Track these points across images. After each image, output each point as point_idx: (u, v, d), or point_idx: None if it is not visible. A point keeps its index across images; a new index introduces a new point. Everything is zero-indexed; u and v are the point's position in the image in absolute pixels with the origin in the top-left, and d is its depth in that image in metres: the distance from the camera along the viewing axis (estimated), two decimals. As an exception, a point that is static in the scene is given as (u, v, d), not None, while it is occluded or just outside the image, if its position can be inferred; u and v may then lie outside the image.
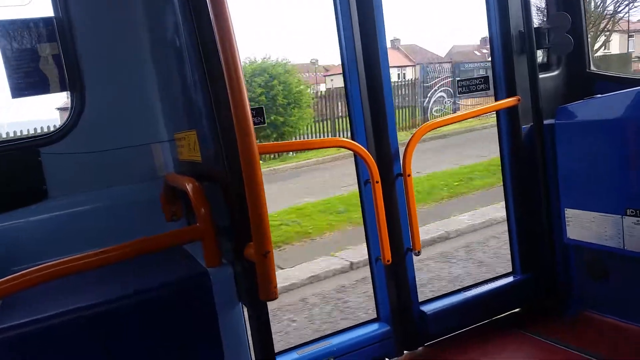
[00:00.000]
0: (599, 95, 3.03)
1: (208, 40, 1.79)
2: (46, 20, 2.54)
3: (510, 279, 3.54)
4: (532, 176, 3.31)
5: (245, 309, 2.07)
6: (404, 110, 19.68)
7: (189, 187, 2.00)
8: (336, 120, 18.75)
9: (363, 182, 3.08)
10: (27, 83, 2.55)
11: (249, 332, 2.04)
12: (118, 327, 1.85)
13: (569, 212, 3.14)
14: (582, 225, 3.08)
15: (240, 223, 1.79)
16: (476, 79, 3.34)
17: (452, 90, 20.36)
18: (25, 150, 2.49)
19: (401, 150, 3.05)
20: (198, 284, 1.94)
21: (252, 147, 1.60)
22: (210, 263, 1.97)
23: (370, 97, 3.02)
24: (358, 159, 3.03)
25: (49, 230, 2.49)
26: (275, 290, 1.68)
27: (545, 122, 3.21)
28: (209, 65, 1.83)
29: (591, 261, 3.22)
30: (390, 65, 3.03)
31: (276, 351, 2.29)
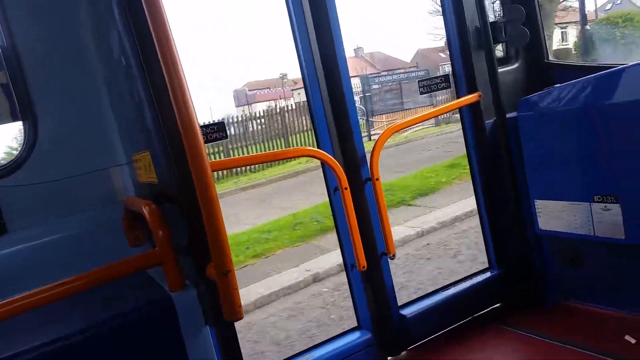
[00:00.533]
0: (558, 85, 3.05)
1: (151, 58, 1.75)
2: (-9, 50, 2.47)
3: (487, 274, 3.54)
4: (499, 170, 3.32)
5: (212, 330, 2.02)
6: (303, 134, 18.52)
7: (145, 210, 1.95)
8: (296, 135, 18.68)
9: (332, 189, 3.05)
10: (-24, 115, 2.47)
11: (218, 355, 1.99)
12: (84, 358, 1.78)
13: (539, 203, 3.15)
14: (553, 215, 3.09)
15: (199, 243, 1.75)
16: (437, 77, 3.35)
17: (363, 108, 19.55)
18: None
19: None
20: (162, 309, 1.88)
21: (204, 165, 1.56)
22: (173, 287, 1.92)
23: (332, 105, 3.00)
24: (325, 167, 3.01)
25: (11, 265, 2.40)
26: (240, 309, 1.63)
27: (508, 115, 3.22)
28: (154, 82, 1.79)
29: (564, 250, 3.23)
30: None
31: None
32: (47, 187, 2.50)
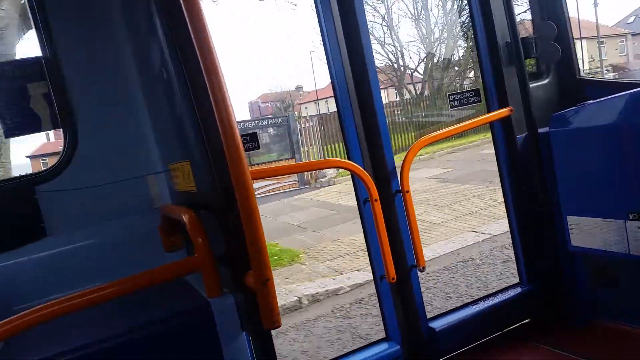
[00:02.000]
0: (591, 101, 3.03)
1: (194, 71, 1.79)
2: (35, 60, 2.55)
3: (518, 289, 3.50)
4: (531, 185, 3.29)
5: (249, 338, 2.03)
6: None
7: (185, 217, 1.99)
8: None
9: (362, 201, 3.07)
10: (20, 123, 2.55)
11: None
12: None
13: (572, 220, 3.12)
14: (586, 232, 3.05)
15: (238, 251, 1.77)
16: (467, 92, 3.35)
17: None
18: (20, 189, 2.48)
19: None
20: (200, 316, 1.90)
21: (245, 175, 1.58)
22: (211, 293, 1.94)
23: (363, 117, 3.03)
24: (356, 179, 3.02)
25: (48, 268, 2.47)
26: (278, 317, 1.65)
27: (540, 130, 3.20)
28: (196, 96, 1.83)
29: (597, 268, 3.18)
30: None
31: None
32: (85, 193, 2.57)
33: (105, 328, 1.86)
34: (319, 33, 3.04)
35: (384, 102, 3.16)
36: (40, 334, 1.86)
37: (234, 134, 1.57)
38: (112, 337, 1.81)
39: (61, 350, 1.74)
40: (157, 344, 1.85)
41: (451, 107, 3.34)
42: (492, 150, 3.46)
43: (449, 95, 3.33)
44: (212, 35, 1.62)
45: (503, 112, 3.27)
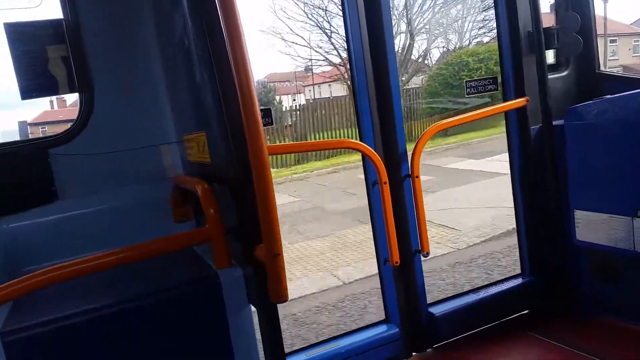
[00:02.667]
0: (609, 96, 3.01)
1: (217, 41, 1.79)
2: (55, 23, 2.55)
3: (519, 280, 3.52)
4: (541, 177, 3.29)
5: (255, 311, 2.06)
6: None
7: (198, 188, 2.00)
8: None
9: (371, 183, 3.08)
10: (37, 84, 2.56)
11: (259, 334, 2.04)
12: (128, 328, 1.85)
13: (579, 214, 3.12)
14: (592, 226, 3.06)
15: (250, 225, 1.79)
16: (485, 79, 3.33)
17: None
18: (34, 152, 2.50)
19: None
20: (208, 286, 1.93)
21: (262, 149, 1.59)
22: (220, 265, 1.97)
23: (378, 100, 3.02)
24: (366, 160, 3.03)
25: (58, 231, 2.50)
26: (286, 292, 1.67)
27: (555, 122, 3.19)
28: (219, 67, 1.83)
29: (601, 263, 3.19)
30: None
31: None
32: (98, 158, 2.58)
33: (114, 293, 1.89)
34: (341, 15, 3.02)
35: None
36: (47, 297, 1.89)
37: (254, 108, 1.57)
38: (120, 301, 1.84)
39: (68, 313, 1.77)
40: (164, 311, 1.88)
41: (467, 94, 3.32)
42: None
43: (466, 82, 3.31)
44: (238, 6, 1.61)
45: (519, 102, 3.26)
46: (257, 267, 1.83)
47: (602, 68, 3.47)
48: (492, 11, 3.40)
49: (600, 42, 3.51)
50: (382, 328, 3.19)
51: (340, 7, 3.04)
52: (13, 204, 2.44)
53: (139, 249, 1.85)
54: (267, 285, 1.66)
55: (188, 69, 2.26)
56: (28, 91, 2.55)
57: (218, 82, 1.84)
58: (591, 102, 3.07)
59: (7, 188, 2.45)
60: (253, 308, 2.02)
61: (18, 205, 2.45)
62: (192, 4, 1.98)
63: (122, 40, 2.58)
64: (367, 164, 3.07)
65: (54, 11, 2.57)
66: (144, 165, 2.64)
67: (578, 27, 3.24)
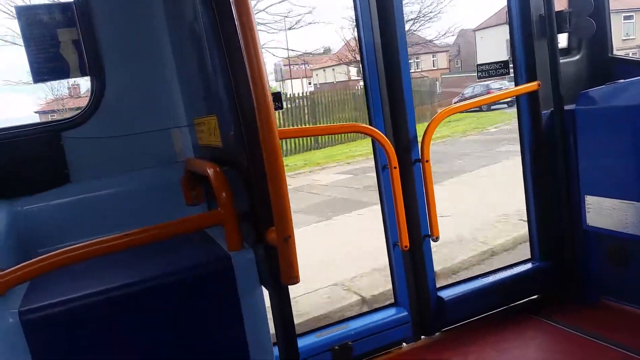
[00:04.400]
0: (621, 81, 2.98)
1: (228, 25, 1.79)
2: (65, 6, 2.55)
3: (529, 265, 3.53)
4: (552, 162, 3.27)
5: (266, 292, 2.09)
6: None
7: (210, 171, 2.01)
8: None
9: (381, 167, 3.08)
10: (48, 68, 2.58)
11: (270, 315, 2.06)
12: (143, 309, 1.87)
13: (589, 199, 3.11)
14: (603, 212, 3.05)
15: (261, 208, 1.80)
16: (496, 63, 3.30)
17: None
18: (47, 135, 2.52)
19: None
20: (221, 268, 1.95)
21: (273, 132, 1.59)
22: (232, 247, 1.99)
23: (388, 84, 3.01)
24: (376, 145, 3.03)
25: (71, 213, 2.53)
26: (297, 273, 1.68)
27: (566, 107, 3.16)
28: (229, 50, 1.82)
29: (611, 249, 3.19)
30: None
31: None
32: (110, 142, 2.60)
33: (126, 275, 1.92)
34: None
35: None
36: (61, 278, 1.92)
37: (265, 92, 1.58)
38: (132, 283, 1.87)
39: (83, 293, 1.80)
40: (177, 292, 1.91)
41: (478, 78, 3.30)
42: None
43: (477, 65, 3.28)
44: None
45: (531, 86, 3.23)
46: (268, 250, 1.85)
47: (614, 51, 3.42)
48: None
49: (613, 19, 3.43)
50: (391, 311, 3.21)
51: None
52: (26, 187, 2.47)
53: (152, 231, 1.87)
54: (279, 268, 1.68)
55: (198, 52, 2.27)
56: (39, 74, 2.57)
57: (229, 65, 1.84)
58: (603, 86, 3.04)
59: (20, 171, 2.48)
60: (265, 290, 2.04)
61: (31, 187, 2.48)
62: None
63: (132, 24, 2.59)
64: (377, 148, 3.07)
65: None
66: (155, 149, 2.66)
67: (591, 10, 3.19)
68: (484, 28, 43.32)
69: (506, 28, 3.34)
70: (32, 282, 1.93)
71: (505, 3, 3.29)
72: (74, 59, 2.61)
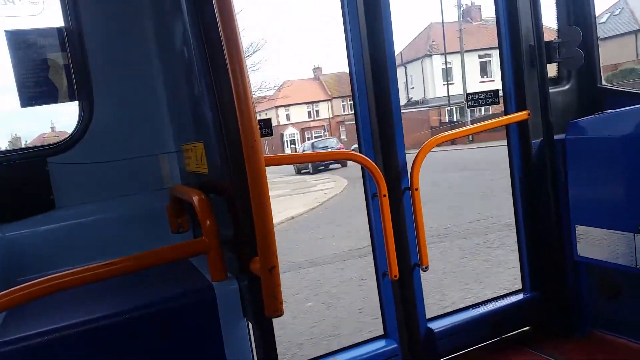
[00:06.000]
0: (610, 111, 3.00)
1: (216, 53, 1.79)
2: (56, 31, 2.56)
3: (520, 296, 3.48)
4: (542, 191, 3.27)
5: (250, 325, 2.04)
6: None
7: (195, 199, 1.99)
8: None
9: (370, 195, 3.06)
10: (37, 92, 2.56)
11: (254, 349, 2.01)
12: (122, 340, 1.83)
13: (580, 229, 3.09)
14: (593, 242, 3.03)
15: (246, 237, 1.77)
16: (486, 92, 3.32)
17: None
18: (32, 160, 2.50)
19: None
20: (203, 298, 1.91)
21: (259, 160, 1.58)
22: (216, 277, 1.95)
23: (378, 112, 3.01)
24: (366, 172, 3.01)
25: (55, 240, 2.49)
26: (281, 306, 1.65)
27: (556, 137, 3.17)
28: (217, 77, 1.82)
29: (602, 280, 3.16)
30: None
31: None
32: (96, 167, 2.58)
33: (108, 304, 1.88)
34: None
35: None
36: (42, 307, 1.87)
37: (251, 119, 1.56)
38: (115, 313, 1.83)
39: (63, 325, 1.75)
40: (158, 323, 1.86)
41: (468, 107, 3.31)
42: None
43: (467, 94, 3.30)
44: (237, 18, 1.61)
45: (520, 115, 3.24)
46: (252, 280, 1.81)
47: (602, 82, 3.45)
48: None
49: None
50: (380, 343, 3.15)
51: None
52: (11, 212, 2.43)
53: (135, 260, 1.83)
54: (263, 299, 1.64)
55: (187, 79, 2.26)
56: (27, 99, 2.55)
57: (216, 92, 1.84)
58: (593, 116, 3.05)
59: (5, 196, 2.44)
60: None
61: (16, 213, 2.44)
62: (193, 15, 1.98)
63: (122, 50, 2.59)
64: (366, 176, 3.05)
65: (55, 19, 2.58)
66: (142, 175, 2.63)
67: (580, 41, 3.23)
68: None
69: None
70: (10, 313, 1.88)
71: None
72: (63, 84, 2.61)
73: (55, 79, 2.58)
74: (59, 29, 2.56)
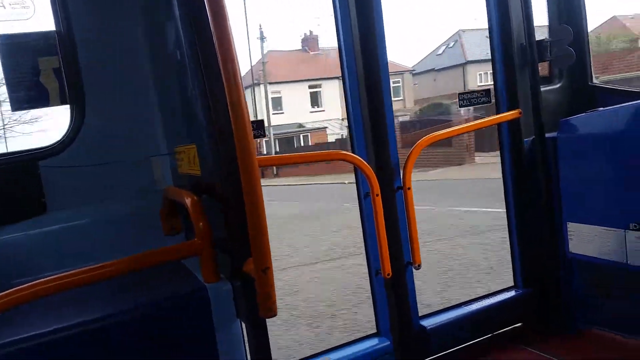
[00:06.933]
0: (602, 109, 3.02)
1: (209, 54, 1.79)
2: (47, 34, 2.55)
3: (512, 293, 3.51)
4: (534, 189, 3.29)
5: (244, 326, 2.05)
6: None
7: (187, 201, 1.99)
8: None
9: (363, 194, 3.07)
10: (27, 96, 2.55)
11: (247, 349, 2.02)
12: (115, 343, 1.83)
13: (571, 226, 3.12)
14: (585, 239, 3.05)
15: (240, 238, 1.77)
16: (478, 92, 3.34)
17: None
18: (23, 163, 2.48)
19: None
20: (196, 300, 1.91)
21: (252, 161, 1.59)
22: (209, 279, 1.95)
23: (370, 110, 3.02)
24: (358, 172, 3.02)
25: (47, 244, 2.48)
26: (274, 306, 1.66)
27: (548, 135, 3.19)
28: (209, 79, 1.83)
29: (594, 276, 3.19)
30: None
31: None
32: (88, 171, 2.57)
33: (100, 307, 1.88)
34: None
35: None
36: (34, 310, 1.87)
37: (244, 120, 1.57)
38: (106, 316, 1.83)
39: (54, 328, 1.75)
40: (151, 325, 1.86)
41: (460, 106, 3.33)
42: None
43: (459, 94, 3.32)
44: (230, 19, 1.61)
45: (512, 114, 3.26)
46: (246, 281, 1.82)
47: (594, 80, 3.48)
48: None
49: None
50: (373, 341, 3.16)
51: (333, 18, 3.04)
52: (2, 216, 2.42)
53: (128, 262, 1.83)
54: (256, 300, 1.65)
55: (180, 81, 2.26)
56: (18, 103, 2.54)
57: (209, 95, 1.84)
58: (584, 114, 3.07)
59: None
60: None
61: (7, 217, 2.43)
62: (185, 17, 1.98)
63: (114, 52, 2.58)
64: (359, 175, 3.06)
65: (46, 23, 2.57)
66: (134, 177, 2.63)
67: (571, 39, 3.25)
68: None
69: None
70: (1, 316, 1.88)
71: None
72: (54, 88, 2.59)
73: (46, 83, 2.57)
74: (50, 33, 2.55)
